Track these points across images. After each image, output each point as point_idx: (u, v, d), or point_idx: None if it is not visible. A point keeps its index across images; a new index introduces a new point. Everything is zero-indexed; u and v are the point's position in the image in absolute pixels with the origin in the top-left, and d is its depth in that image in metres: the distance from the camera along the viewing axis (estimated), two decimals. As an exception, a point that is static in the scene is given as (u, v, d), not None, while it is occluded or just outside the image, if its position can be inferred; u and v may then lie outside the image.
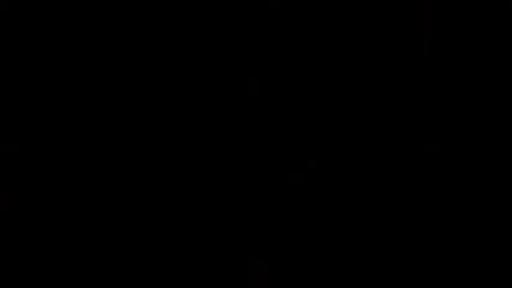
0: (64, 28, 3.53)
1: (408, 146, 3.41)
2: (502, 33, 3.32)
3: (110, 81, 3.52)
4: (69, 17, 3.53)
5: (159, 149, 3.51)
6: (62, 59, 3.52)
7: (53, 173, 3.46)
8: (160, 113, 3.50)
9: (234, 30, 3.53)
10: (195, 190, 3.37)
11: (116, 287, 3.11)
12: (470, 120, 3.37)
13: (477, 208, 3.28)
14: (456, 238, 3.24)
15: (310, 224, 3.33)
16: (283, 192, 3.33)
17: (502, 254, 3.18)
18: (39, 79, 3.51)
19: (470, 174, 3.32)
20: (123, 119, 3.50)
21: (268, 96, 3.42)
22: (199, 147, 3.42)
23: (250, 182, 3.35)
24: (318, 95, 3.56)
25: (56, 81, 3.53)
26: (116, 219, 3.37)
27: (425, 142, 3.39)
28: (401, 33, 3.43)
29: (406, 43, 3.42)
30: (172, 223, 3.36)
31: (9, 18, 3.47)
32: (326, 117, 3.42)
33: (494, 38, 3.34)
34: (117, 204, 3.40)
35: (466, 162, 3.33)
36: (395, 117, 3.45)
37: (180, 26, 3.52)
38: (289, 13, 3.53)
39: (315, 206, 3.35)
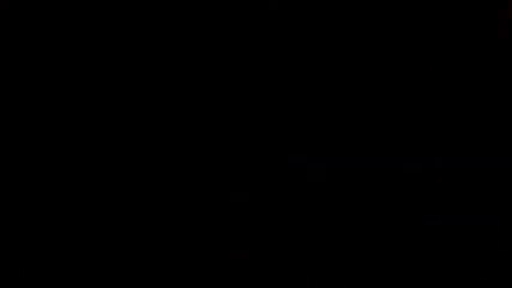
0: (63, 28, 3.55)
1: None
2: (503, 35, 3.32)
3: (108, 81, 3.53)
4: (68, 17, 3.55)
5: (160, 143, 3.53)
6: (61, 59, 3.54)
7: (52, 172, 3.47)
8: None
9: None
10: None
11: (116, 286, 3.10)
12: (470, 121, 3.37)
13: (476, 207, 3.28)
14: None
15: None
16: None
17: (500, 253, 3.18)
18: (38, 79, 3.52)
19: (469, 174, 3.32)
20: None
21: None
22: None
23: None
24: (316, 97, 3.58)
25: (55, 81, 3.54)
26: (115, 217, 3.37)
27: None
28: (404, 34, 3.44)
29: (410, 44, 3.43)
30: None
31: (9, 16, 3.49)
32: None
33: (494, 38, 3.34)
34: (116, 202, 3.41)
35: (467, 162, 3.33)
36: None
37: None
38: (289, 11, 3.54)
39: None
